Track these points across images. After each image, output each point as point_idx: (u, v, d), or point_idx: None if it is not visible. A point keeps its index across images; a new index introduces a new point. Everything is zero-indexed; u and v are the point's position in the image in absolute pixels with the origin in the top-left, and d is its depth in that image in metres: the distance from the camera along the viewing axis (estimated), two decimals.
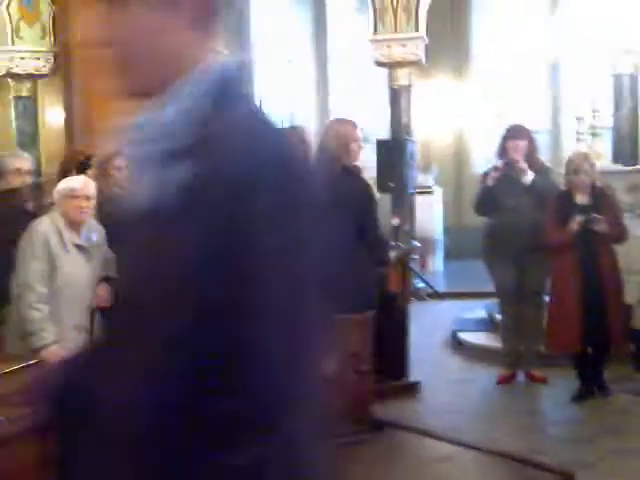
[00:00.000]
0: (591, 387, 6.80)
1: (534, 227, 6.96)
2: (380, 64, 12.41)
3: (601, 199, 6.76)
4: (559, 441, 5.90)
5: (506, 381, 7.33)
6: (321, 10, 17.13)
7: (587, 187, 6.74)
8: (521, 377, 7.33)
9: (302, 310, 1.49)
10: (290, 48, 16.80)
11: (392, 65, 12.32)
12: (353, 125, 6.47)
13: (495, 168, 7.18)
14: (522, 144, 7.23)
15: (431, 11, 12.23)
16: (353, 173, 6.38)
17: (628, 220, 7.20)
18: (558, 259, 6.77)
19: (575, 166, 6.78)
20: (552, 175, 7.38)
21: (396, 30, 12.25)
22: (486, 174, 7.32)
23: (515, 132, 7.39)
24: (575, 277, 6.60)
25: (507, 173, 7.15)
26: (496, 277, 7.37)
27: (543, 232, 6.76)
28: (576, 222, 6.52)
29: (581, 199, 6.75)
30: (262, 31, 16.60)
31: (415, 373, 7.11)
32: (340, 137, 6.33)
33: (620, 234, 6.71)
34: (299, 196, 1.48)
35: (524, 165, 7.09)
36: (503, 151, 7.29)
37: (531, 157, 7.24)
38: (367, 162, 8.07)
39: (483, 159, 16.44)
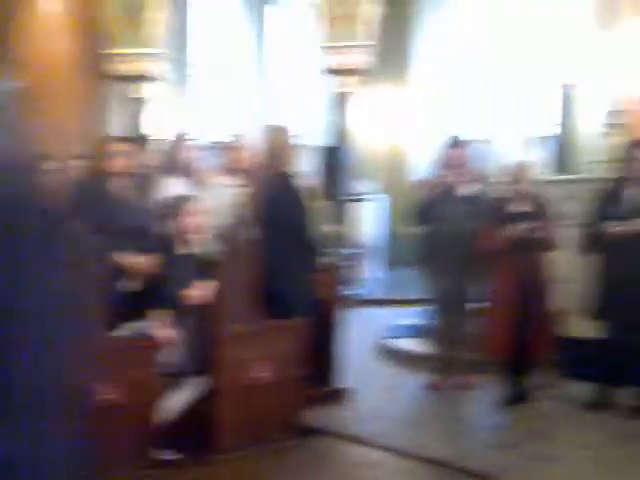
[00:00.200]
0: (517, 393, 6.91)
1: (471, 236, 7.06)
2: (325, 71, 12.46)
3: (539, 208, 6.88)
4: (485, 446, 5.95)
5: (436, 387, 7.40)
6: (261, 16, 17.11)
7: (526, 195, 6.84)
8: (450, 383, 7.40)
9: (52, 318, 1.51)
10: (230, 53, 16.77)
11: (336, 72, 12.39)
12: (288, 132, 6.50)
13: (434, 184, 7.25)
14: (461, 153, 7.33)
15: (377, 21, 12.32)
16: (287, 179, 6.42)
17: (566, 229, 7.30)
18: (498, 267, 6.86)
19: (515, 175, 6.89)
20: (490, 184, 7.48)
21: (342, 38, 12.32)
22: (421, 182, 7.40)
23: (454, 142, 7.50)
24: (514, 285, 6.70)
25: (446, 188, 7.24)
26: (433, 285, 7.45)
27: (480, 240, 6.86)
28: (516, 229, 6.62)
29: (520, 207, 6.85)
30: (202, 35, 16.54)
31: (345, 379, 7.14)
32: (275, 143, 6.36)
33: (552, 243, 6.85)
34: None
35: (458, 178, 7.19)
36: (442, 160, 7.38)
37: (469, 166, 7.36)
38: (306, 168, 8.10)
39: (423, 166, 16.59)
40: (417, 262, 7.60)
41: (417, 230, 7.63)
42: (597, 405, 6.61)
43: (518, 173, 6.89)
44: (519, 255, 6.67)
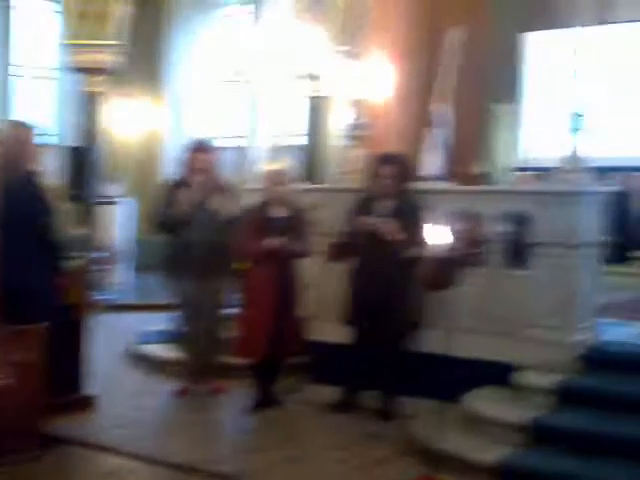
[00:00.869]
0: (266, 397, 6.96)
1: (221, 240, 7.10)
2: (73, 69, 12.10)
3: (295, 214, 6.96)
4: (235, 451, 5.96)
5: (184, 393, 7.34)
6: (6, 12, 16.37)
7: (282, 201, 6.91)
8: (200, 389, 7.35)
9: None
10: None
11: (83, 71, 12.06)
12: (31, 128, 6.22)
13: (187, 204, 7.17)
14: (207, 158, 7.31)
15: (128, 20, 12.11)
16: (29, 177, 6.13)
17: (316, 237, 7.46)
18: (251, 272, 6.87)
19: (271, 180, 6.94)
20: (237, 192, 7.48)
21: (91, 37, 12.02)
22: (171, 187, 7.31)
23: (200, 146, 7.46)
24: (268, 289, 6.73)
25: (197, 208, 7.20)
26: (178, 291, 7.37)
27: (235, 245, 6.85)
28: (274, 242, 6.66)
29: (277, 212, 6.90)
30: None
31: (93, 386, 6.92)
32: (17, 141, 6.07)
33: (307, 250, 6.96)
34: None
35: (203, 182, 7.18)
36: (187, 164, 7.32)
37: (215, 171, 7.34)
38: (51, 168, 7.80)
39: (171, 171, 16.46)
40: (163, 267, 7.49)
41: (162, 235, 7.52)
42: (344, 408, 6.76)
43: (275, 178, 6.96)
44: (272, 261, 6.73)
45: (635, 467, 5.02)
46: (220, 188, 7.31)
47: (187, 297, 7.29)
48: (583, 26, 5.89)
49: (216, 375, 7.40)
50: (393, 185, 6.63)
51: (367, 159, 7.31)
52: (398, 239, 6.27)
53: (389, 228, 6.40)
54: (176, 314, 7.51)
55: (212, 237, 7.11)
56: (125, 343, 9.03)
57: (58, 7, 13.06)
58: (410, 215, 6.23)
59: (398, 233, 6.34)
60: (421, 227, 4.12)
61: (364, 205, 6.77)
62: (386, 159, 6.78)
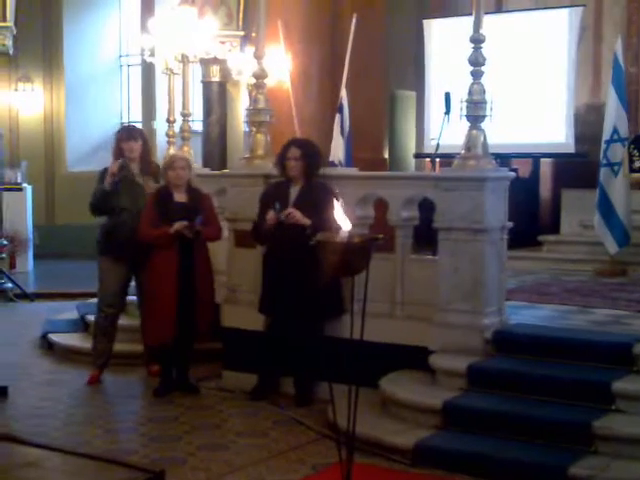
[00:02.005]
0: (181, 384, 6.98)
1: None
2: None
3: (198, 198, 6.95)
4: (150, 440, 5.92)
5: (92, 381, 7.31)
6: None
7: (184, 185, 6.90)
8: (105, 377, 7.36)
9: None
10: None
11: None
12: None
13: (112, 174, 7.08)
14: (137, 145, 7.25)
15: (21, 3, 11.85)
16: None
17: (223, 223, 7.49)
18: (155, 255, 6.85)
19: (171, 164, 6.93)
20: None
21: None
22: (102, 174, 7.23)
23: (129, 133, 7.40)
24: (171, 274, 6.72)
25: (125, 175, 7.13)
26: (103, 277, 7.31)
27: (142, 230, 6.83)
28: (178, 226, 6.64)
29: (179, 197, 6.89)
30: None
31: (2, 377, 6.81)
32: None
33: (217, 233, 7.01)
34: None
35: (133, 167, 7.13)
36: (119, 152, 7.25)
37: (146, 158, 7.29)
38: None
39: (76, 156, 16.23)
40: (97, 253, 7.39)
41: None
42: (260, 394, 6.80)
43: (175, 162, 6.96)
44: (176, 245, 6.73)
45: (542, 446, 5.20)
46: (153, 173, 7.28)
47: (111, 283, 7.25)
48: (478, 14, 5.97)
49: (128, 363, 7.38)
50: (302, 170, 6.67)
51: (270, 145, 7.35)
52: (305, 224, 6.33)
53: (294, 217, 6.44)
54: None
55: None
56: (34, 332, 8.90)
57: None
58: (319, 199, 6.28)
59: (304, 219, 6.40)
60: (330, 212, 4.16)
61: (274, 191, 6.80)
62: (295, 143, 6.82)
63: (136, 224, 6.93)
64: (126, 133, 7.41)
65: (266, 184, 7.05)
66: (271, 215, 6.49)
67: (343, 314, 6.38)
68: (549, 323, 6.67)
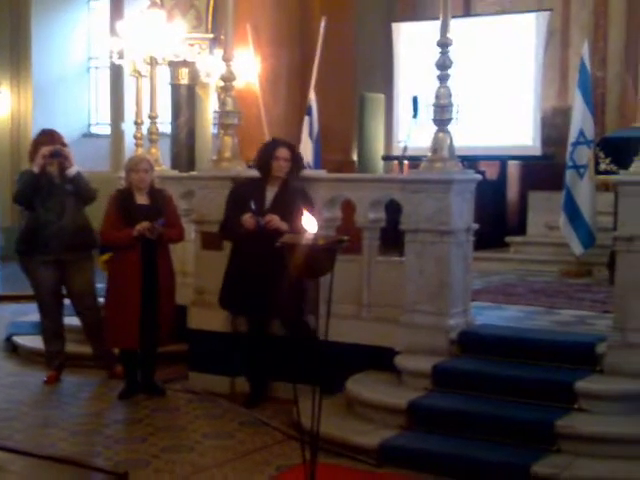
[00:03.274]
0: (145, 386, 6.94)
1: (78, 227, 7.16)
2: None
3: (160, 200, 6.92)
4: (114, 441, 5.89)
5: (49, 382, 7.31)
6: None
7: (146, 187, 6.86)
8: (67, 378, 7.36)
9: None
10: None
11: None
12: None
13: (42, 156, 7.05)
14: (55, 147, 7.21)
15: None
16: None
17: (189, 225, 7.47)
18: (117, 258, 6.82)
19: (134, 166, 6.88)
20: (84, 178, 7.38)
21: None
22: (21, 176, 7.25)
23: (47, 136, 7.42)
24: (134, 276, 6.68)
25: (49, 178, 7.12)
26: (34, 279, 7.27)
27: (104, 231, 6.79)
28: (140, 227, 6.60)
29: (141, 199, 6.85)
30: None
31: None
32: None
33: (179, 234, 6.97)
34: None
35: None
36: (36, 155, 7.19)
37: (66, 162, 7.22)
38: None
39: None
40: (18, 255, 7.36)
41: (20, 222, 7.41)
42: (226, 396, 6.78)
43: (138, 163, 6.92)
44: (138, 247, 6.69)
45: (505, 445, 5.23)
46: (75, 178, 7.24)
47: (46, 285, 7.22)
48: (446, 18, 5.99)
49: (89, 364, 7.39)
50: (289, 171, 6.60)
51: (238, 147, 7.32)
52: (284, 230, 6.15)
53: (274, 224, 6.32)
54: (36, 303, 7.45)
55: (74, 221, 7.15)
56: None
57: None
58: (296, 204, 6.16)
59: (282, 224, 6.27)
60: (302, 213, 4.14)
61: (248, 189, 6.69)
62: (284, 144, 6.70)
63: (63, 222, 7.00)
64: (44, 136, 7.45)
65: (236, 182, 6.99)
66: (249, 219, 6.38)
67: (305, 314, 6.34)
68: (515, 324, 6.70)
